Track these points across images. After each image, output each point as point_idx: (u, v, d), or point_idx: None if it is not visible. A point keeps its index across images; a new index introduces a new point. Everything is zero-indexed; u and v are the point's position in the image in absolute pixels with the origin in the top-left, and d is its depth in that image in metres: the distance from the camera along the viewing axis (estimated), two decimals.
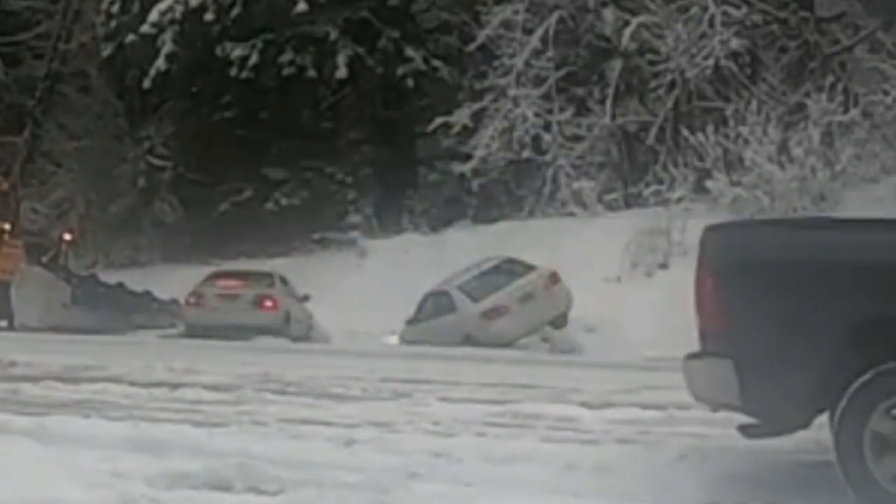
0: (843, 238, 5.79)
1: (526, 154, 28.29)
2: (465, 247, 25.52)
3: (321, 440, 7.61)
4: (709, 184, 24.02)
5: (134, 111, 36.66)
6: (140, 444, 7.06)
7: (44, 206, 35.91)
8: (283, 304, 24.57)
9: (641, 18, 27.34)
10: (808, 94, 24.84)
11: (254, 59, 31.69)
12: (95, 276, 28.91)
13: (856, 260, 5.56)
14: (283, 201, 33.02)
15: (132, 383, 11.31)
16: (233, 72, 31.73)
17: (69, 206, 36.30)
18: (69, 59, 36.78)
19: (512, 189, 30.87)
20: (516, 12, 28.56)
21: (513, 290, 21.71)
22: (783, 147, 23.80)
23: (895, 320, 5.44)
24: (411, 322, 22.88)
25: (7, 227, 26.99)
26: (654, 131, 27.50)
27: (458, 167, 30.27)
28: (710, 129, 24.48)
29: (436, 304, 22.51)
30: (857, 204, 21.60)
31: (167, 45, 32.17)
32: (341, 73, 31.85)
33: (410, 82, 32.69)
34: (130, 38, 32.55)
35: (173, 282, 27.11)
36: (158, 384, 11.22)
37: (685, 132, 25.56)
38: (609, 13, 28.09)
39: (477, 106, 29.11)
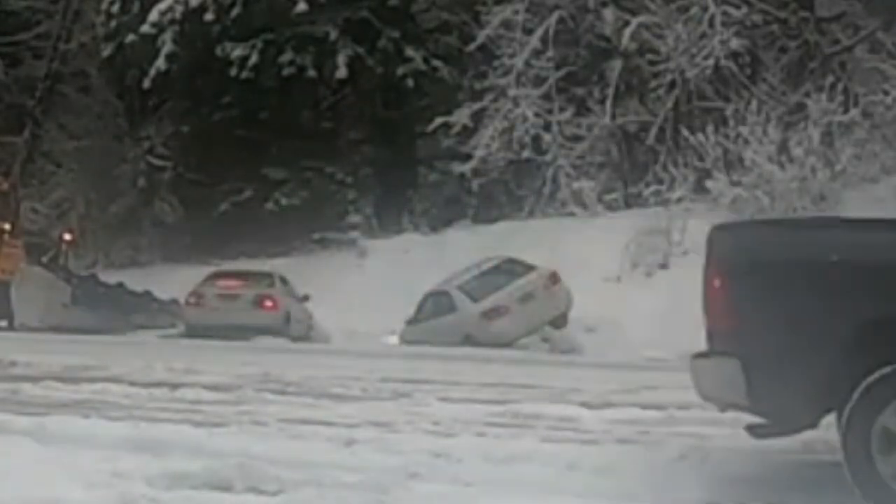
0: (851, 238, 5.78)
1: (526, 154, 28.27)
2: (465, 247, 25.50)
3: (321, 440, 7.60)
4: (709, 184, 24.00)
5: (134, 111, 36.63)
6: (140, 444, 7.06)
7: (44, 206, 35.88)
8: (283, 304, 24.57)
9: (641, 18, 27.32)
10: (808, 94, 24.82)
11: (254, 59, 31.67)
12: (95, 276, 28.89)
13: (864, 260, 5.56)
14: (283, 201, 33.00)
15: (132, 383, 11.30)
16: (233, 72, 31.71)
17: (69, 206, 36.27)
18: (69, 59, 36.75)
19: (512, 189, 30.85)
20: (516, 12, 28.54)
21: (513, 290, 21.70)
22: (783, 147, 23.78)
23: None
24: (411, 322, 22.87)
25: (7, 227, 26.97)
26: (654, 131, 27.49)
27: (458, 167, 30.25)
28: (710, 129, 24.45)
29: (436, 304, 22.51)
30: (857, 204, 21.57)
31: (167, 45, 32.16)
32: (341, 73, 31.83)
33: (410, 82, 32.67)
34: (130, 38, 32.53)
35: (173, 282, 27.10)
36: (158, 384, 11.22)
37: (685, 132, 25.54)
38: (609, 13, 28.07)
39: (477, 106, 29.09)
